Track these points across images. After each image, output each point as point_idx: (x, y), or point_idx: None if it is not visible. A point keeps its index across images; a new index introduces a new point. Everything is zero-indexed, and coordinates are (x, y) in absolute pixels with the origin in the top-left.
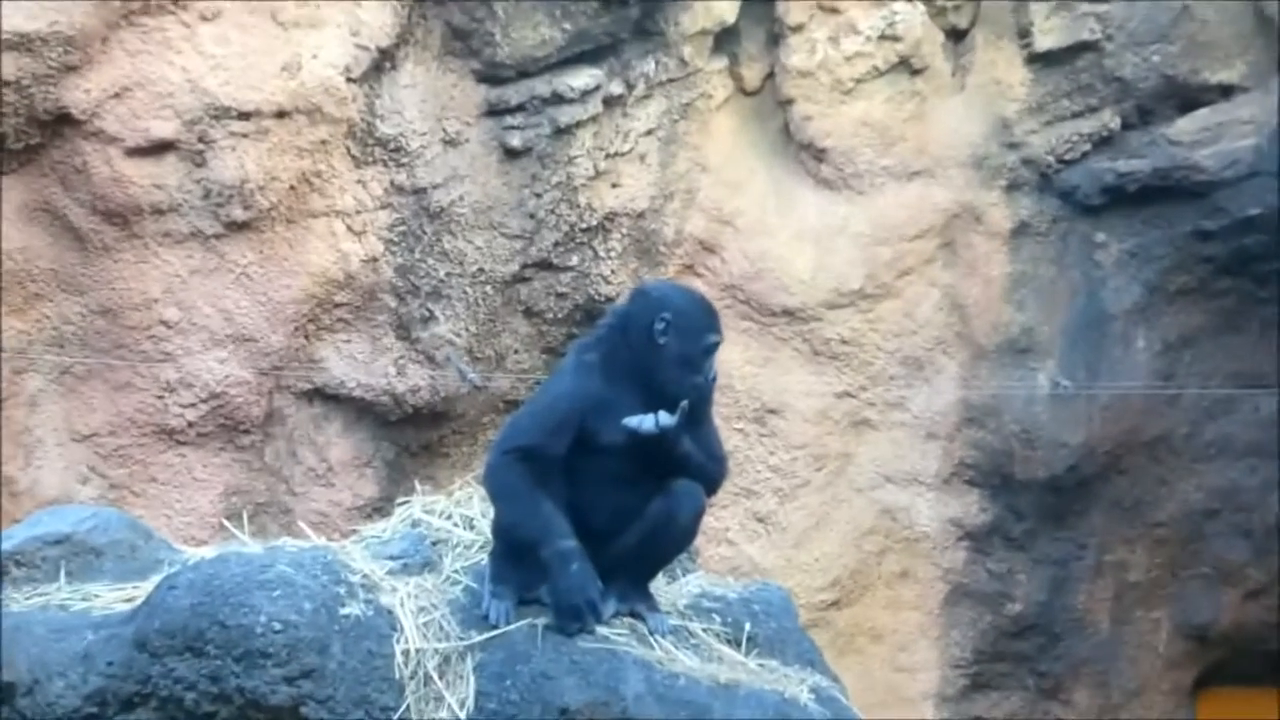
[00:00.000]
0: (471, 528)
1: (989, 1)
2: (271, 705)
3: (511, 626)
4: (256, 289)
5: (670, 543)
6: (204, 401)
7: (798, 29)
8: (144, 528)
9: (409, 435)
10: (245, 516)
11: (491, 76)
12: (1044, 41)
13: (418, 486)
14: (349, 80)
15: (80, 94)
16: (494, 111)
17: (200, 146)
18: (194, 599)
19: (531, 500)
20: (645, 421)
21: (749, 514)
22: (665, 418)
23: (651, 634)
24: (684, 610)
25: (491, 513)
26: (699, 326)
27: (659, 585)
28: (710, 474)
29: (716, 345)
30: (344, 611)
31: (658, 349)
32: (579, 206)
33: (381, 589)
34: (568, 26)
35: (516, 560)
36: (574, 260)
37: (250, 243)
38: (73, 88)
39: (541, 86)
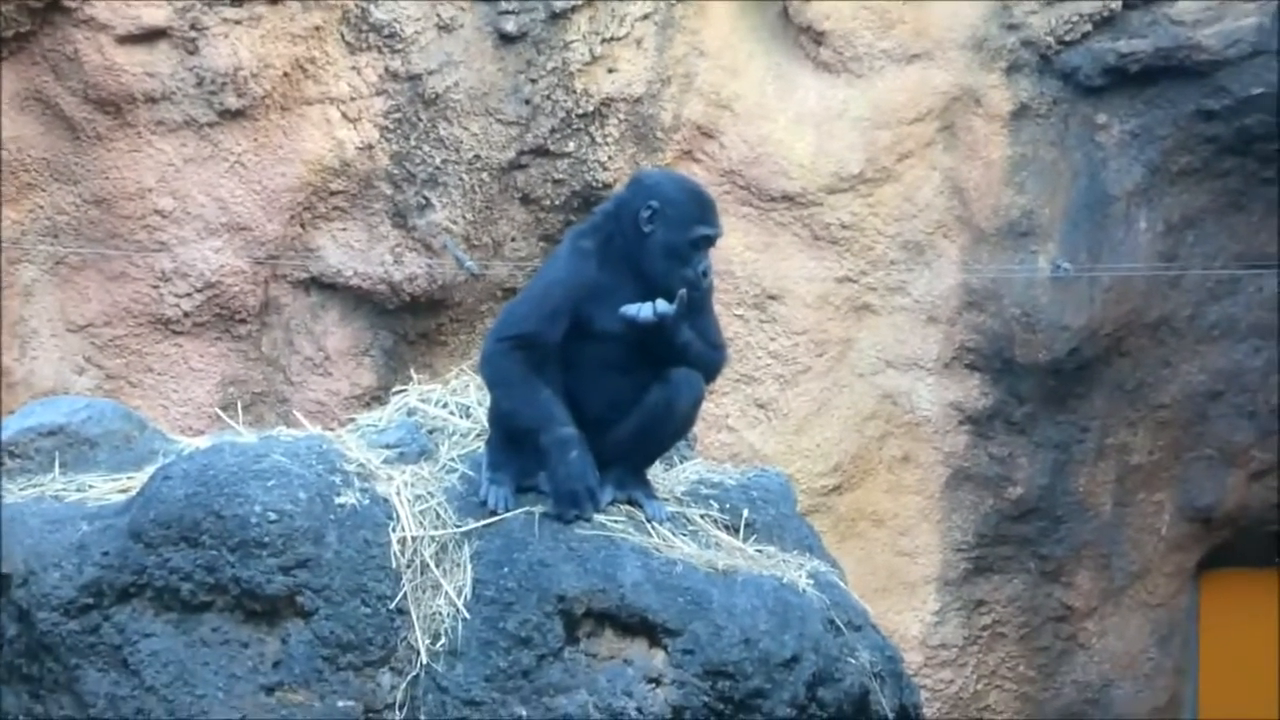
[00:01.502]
0: (468, 416)
1: None
2: (267, 595)
3: (510, 513)
4: (251, 177)
5: (669, 430)
6: (199, 291)
7: None
8: (139, 418)
9: (406, 324)
10: (241, 406)
11: None
12: None
13: (414, 375)
14: None
15: None
16: None
17: (192, 33)
18: (189, 489)
19: (529, 388)
20: (643, 310)
21: (749, 400)
22: (664, 306)
23: (649, 521)
24: (682, 497)
25: (488, 401)
26: (687, 217)
27: (656, 472)
28: (709, 362)
29: (707, 239)
30: (339, 501)
31: (644, 237)
32: (575, 92)
33: (377, 478)
34: None
35: (514, 448)
36: (570, 146)
37: (244, 130)
38: None
39: None
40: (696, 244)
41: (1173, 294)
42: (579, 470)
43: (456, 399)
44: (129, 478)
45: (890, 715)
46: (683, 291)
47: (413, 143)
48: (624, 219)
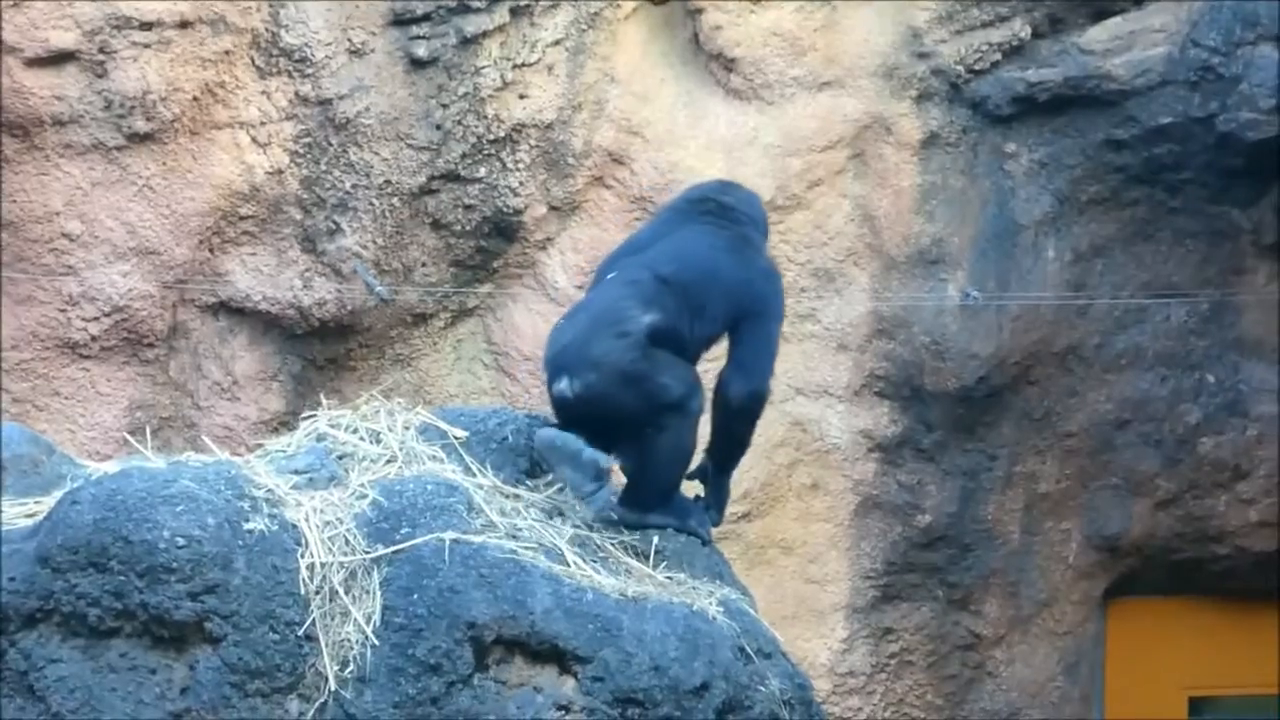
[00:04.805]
0: (378, 441)
1: None
2: (175, 620)
3: (421, 539)
4: (160, 201)
5: None
6: (107, 315)
7: None
8: (46, 442)
9: (315, 349)
10: (149, 431)
11: None
12: None
13: (323, 401)
14: None
15: None
16: (399, 21)
17: (101, 57)
18: (97, 514)
19: None
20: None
21: None
22: None
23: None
24: (591, 523)
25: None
26: None
27: (567, 499)
28: None
29: None
30: (248, 526)
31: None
32: (486, 118)
33: (286, 504)
34: None
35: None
36: (481, 172)
37: (153, 155)
38: None
39: None
40: None
41: (1080, 323)
42: None
43: (366, 424)
44: (36, 502)
45: None
46: None
47: (323, 167)
48: (760, 223)
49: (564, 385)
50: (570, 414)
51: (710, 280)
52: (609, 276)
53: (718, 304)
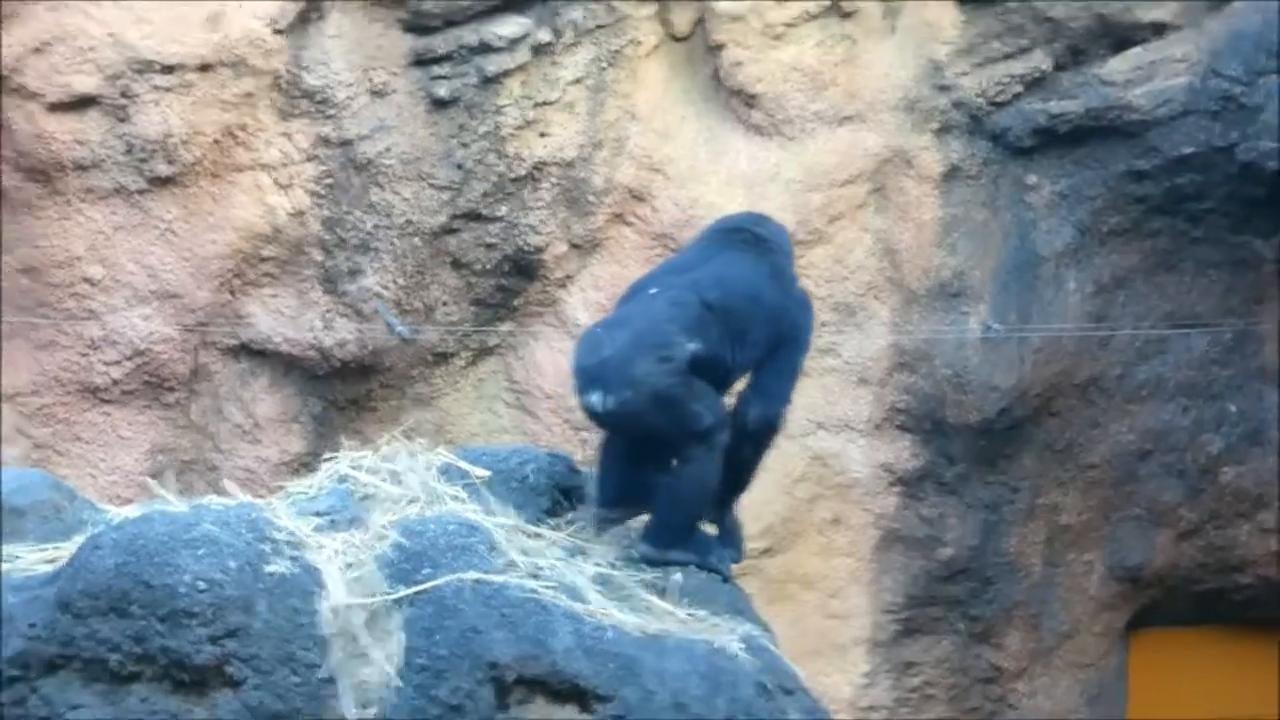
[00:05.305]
0: (399, 483)
1: None
2: (196, 665)
3: (442, 580)
4: (181, 244)
5: None
6: (129, 359)
7: None
8: (67, 488)
9: (336, 390)
10: (171, 475)
11: (418, 26)
12: None
13: (344, 442)
14: (274, 32)
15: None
16: (421, 61)
17: (123, 101)
18: (118, 559)
19: None
20: None
21: None
22: None
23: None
24: (613, 561)
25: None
26: None
27: (589, 536)
28: None
29: None
30: (269, 569)
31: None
32: (507, 156)
33: (308, 546)
34: None
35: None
36: (502, 211)
37: (175, 198)
38: None
39: (469, 35)
40: None
41: (1102, 354)
42: None
43: (388, 465)
44: (57, 548)
45: None
46: None
47: (344, 208)
48: (790, 256)
49: (596, 399)
50: (599, 424)
51: (754, 306)
52: (650, 292)
53: (760, 330)
